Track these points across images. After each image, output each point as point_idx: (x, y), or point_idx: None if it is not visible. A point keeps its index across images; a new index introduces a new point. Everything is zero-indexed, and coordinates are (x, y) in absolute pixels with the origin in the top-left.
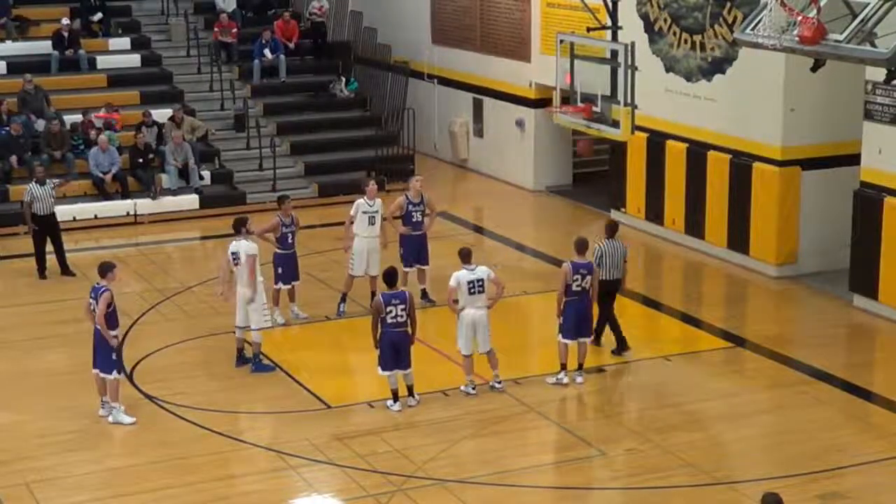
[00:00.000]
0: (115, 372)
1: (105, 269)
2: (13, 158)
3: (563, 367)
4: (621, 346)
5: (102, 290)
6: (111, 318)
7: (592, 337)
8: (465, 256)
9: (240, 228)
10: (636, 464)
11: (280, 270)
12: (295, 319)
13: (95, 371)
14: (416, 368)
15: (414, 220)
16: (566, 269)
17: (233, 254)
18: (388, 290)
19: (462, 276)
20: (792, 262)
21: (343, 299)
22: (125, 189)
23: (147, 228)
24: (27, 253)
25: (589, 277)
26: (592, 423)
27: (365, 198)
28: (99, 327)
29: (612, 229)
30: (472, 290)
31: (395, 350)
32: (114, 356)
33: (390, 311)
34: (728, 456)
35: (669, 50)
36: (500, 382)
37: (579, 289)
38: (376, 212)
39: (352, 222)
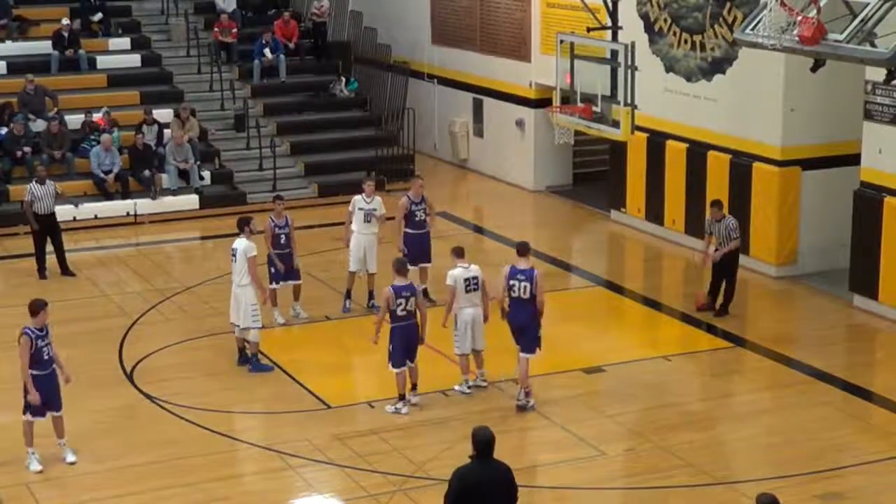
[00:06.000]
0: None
1: (38, 306)
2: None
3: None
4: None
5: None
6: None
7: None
8: (459, 253)
9: (242, 227)
10: (636, 464)
11: (272, 270)
12: (295, 319)
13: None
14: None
15: (417, 218)
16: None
17: (232, 250)
18: (399, 283)
19: (458, 273)
20: (792, 262)
21: (348, 296)
22: (125, 189)
23: (147, 228)
24: (27, 253)
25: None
26: (592, 423)
27: (363, 195)
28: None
29: (720, 205)
30: (469, 288)
31: (407, 343)
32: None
33: (400, 304)
34: (728, 456)
35: (669, 50)
36: (485, 381)
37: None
38: (374, 209)
39: (351, 221)
